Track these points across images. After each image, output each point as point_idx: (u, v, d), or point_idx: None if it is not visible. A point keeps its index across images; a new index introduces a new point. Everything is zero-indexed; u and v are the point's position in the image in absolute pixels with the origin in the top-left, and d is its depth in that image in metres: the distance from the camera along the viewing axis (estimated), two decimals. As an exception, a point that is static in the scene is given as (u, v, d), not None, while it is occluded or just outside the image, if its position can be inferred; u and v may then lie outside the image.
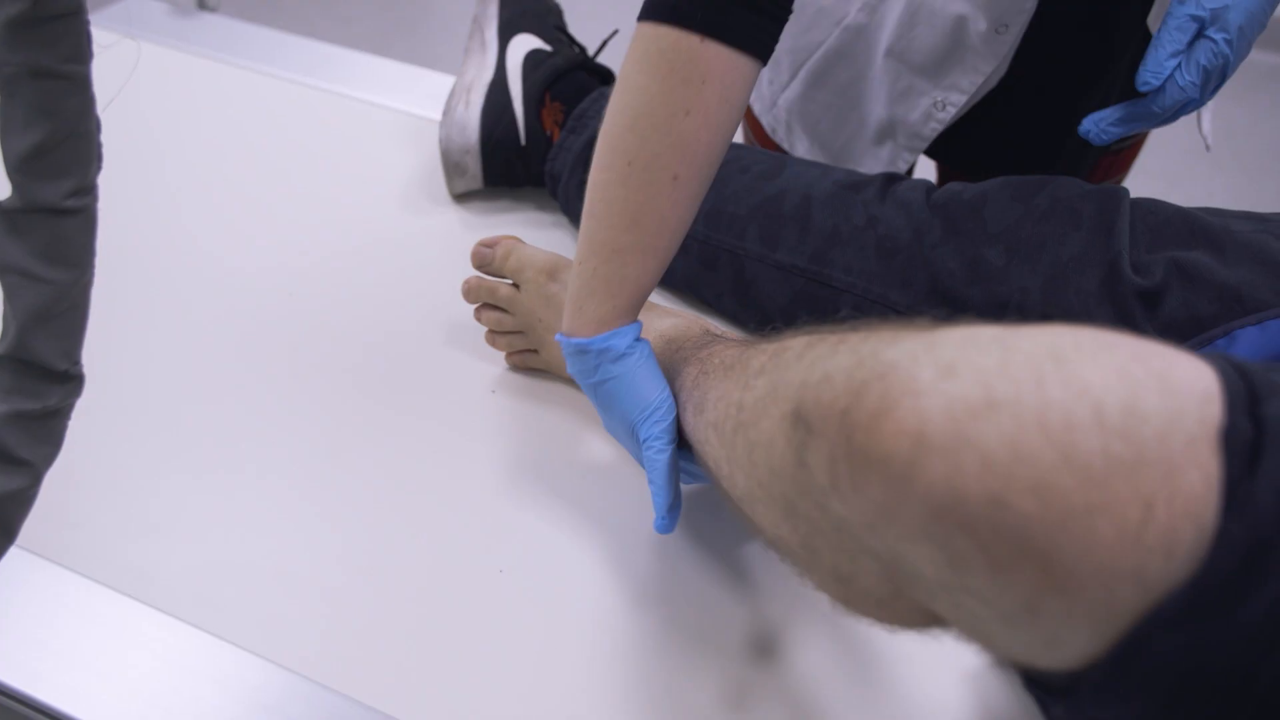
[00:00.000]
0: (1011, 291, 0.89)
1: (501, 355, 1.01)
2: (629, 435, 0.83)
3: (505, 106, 1.14)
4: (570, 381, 0.98)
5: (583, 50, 1.19)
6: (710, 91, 0.77)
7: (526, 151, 1.14)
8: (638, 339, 0.83)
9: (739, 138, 1.31)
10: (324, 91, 1.35)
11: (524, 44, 1.17)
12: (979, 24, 1.02)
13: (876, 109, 1.12)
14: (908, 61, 1.08)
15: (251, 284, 1.07)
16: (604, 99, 1.12)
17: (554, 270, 0.96)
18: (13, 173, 0.57)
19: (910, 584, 0.50)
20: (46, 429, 0.60)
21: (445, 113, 1.16)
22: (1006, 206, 0.92)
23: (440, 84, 1.34)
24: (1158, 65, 0.86)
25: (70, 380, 0.61)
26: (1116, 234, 0.87)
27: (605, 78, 1.17)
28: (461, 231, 1.15)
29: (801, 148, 1.20)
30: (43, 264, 0.58)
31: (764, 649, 0.80)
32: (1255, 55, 3.07)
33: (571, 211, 1.12)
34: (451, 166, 1.15)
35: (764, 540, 0.65)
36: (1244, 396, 0.45)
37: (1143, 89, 0.87)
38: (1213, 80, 0.87)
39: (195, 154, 1.25)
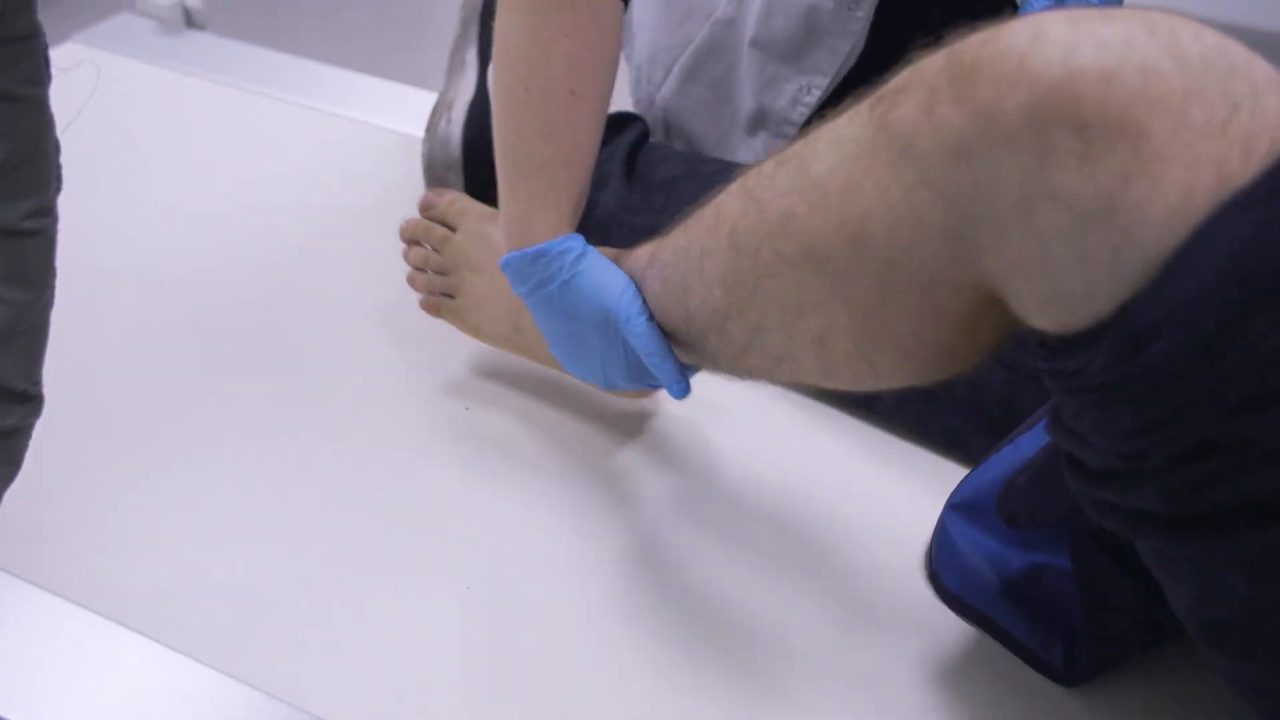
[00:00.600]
0: None
1: (479, 376, 1.01)
2: (603, 328, 0.83)
3: (486, 124, 1.14)
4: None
5: (563, 66, 1.19)
6: (582, 16, 0.86)
7: (508, 167, 1.15)
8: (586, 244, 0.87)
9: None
10: (309, 109, 1.36)
11: (504, 61, 1.17)
12: (827, 4, 1.06)
13: (747, 100, 1.14)
14: (771, 50, 1.11)
15: (229, 300, 1.08)
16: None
17: (495, 217, 0.97)
18: (-30, 195, 0.58)
19: (976, 225, 0.54)
20: (5, 448, 0.61)
21: (428, 128, 1.17)
22: None
23: (427, 101, 1.35)
24: None
25: (30, 400, 0.61)
26: None
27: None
28: (444, 247, 1.15)
29: (680, 146, 1.22)
30: (1, 285, 0.59)
31: (746, 660, 0.80)
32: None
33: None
34: (434, 181, 1.16)
35: (766, 356, 0.71)
36: None
37: None
38: None
39: (179, 172, 1.25)
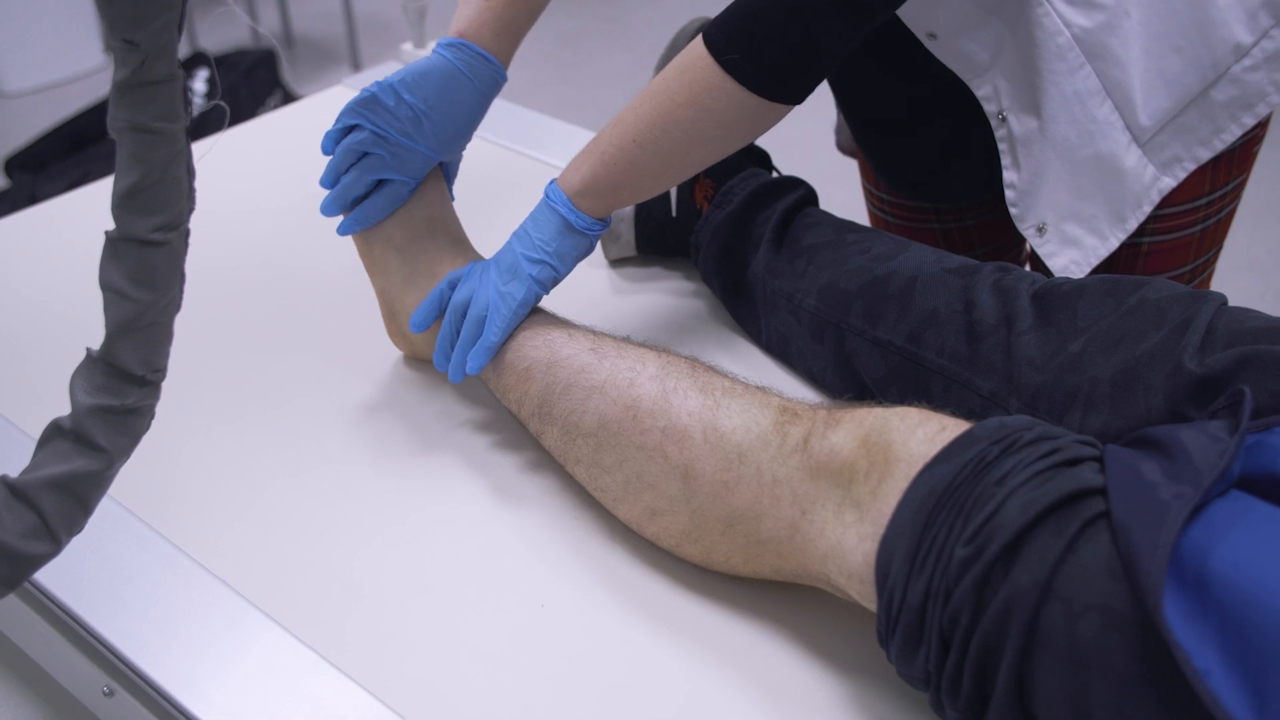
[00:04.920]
0: (1082, 382, 0.90)
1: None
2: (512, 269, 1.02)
3: (662, 179, 1.22)
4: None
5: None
6: None
7: (677, 223, 1.22)
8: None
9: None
10: (512, 152, 1.47)
11: (687, 123, 1.24)
12: None
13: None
14: None
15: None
16: (754, 177, 1.18)
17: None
18: (114, 207, 0.69)
19: (809, 522, 0.83)
20: (124, 423, 0.71)
21: (606, 182, 1.25)
22: (1099, 302, 0.93)
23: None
24: None
25: (147, 385, 0.71)
26: (1190, 331, 0.87)
27: (760, 158, 1.23)
28: (610, 295, 1.23)
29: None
30: (131, 285, 0.69)
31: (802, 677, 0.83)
32: None
33: (710, 280, 1.19)
34: (607, 233, 1.24)
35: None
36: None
37: None
38: None
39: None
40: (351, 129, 1.08)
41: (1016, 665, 0.70)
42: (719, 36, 0.95)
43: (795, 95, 0.96)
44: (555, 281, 1.04)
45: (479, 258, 1.11)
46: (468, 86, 1.09)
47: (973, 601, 0.71)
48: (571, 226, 1.02)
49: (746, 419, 0.87)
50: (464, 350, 1.03)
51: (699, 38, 0.96)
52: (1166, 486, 0.70)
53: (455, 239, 1.12)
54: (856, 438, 0.81)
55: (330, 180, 1.10)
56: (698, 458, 0.87)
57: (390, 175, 1.08)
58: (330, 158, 1.09)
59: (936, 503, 0.74)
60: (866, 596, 0.78)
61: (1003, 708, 0.71)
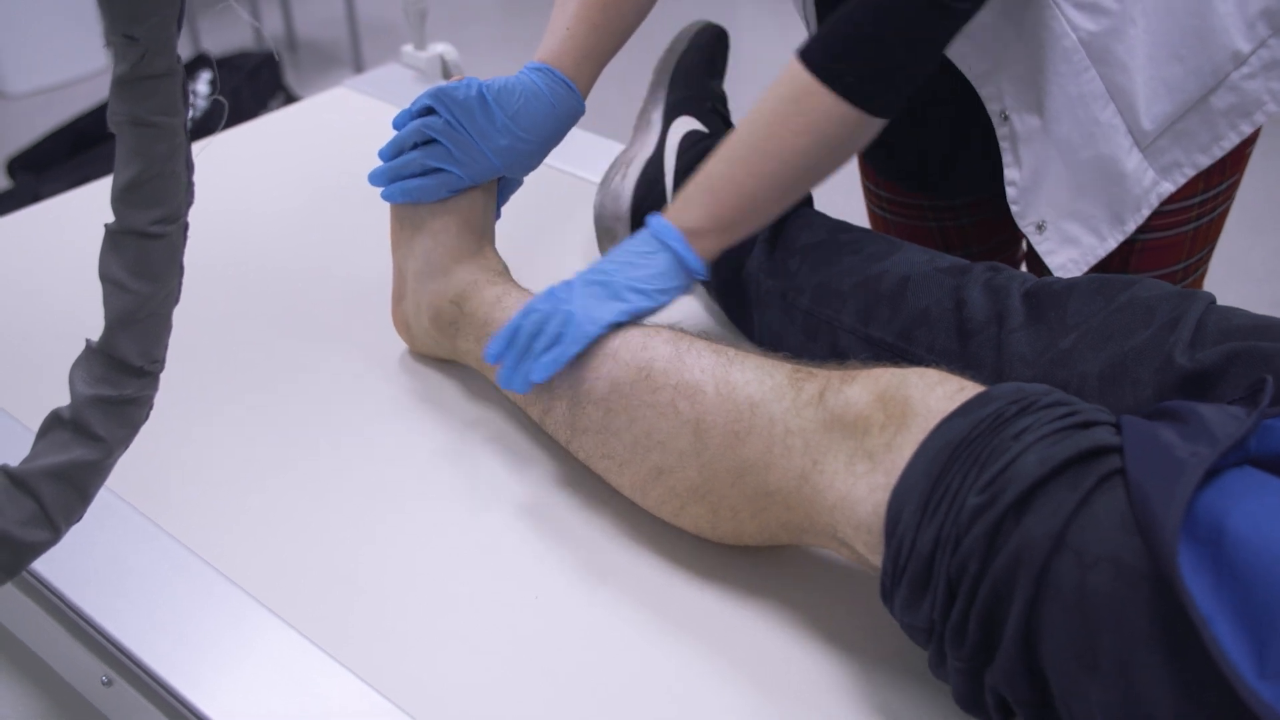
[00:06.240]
0: (1071, 377, 0.91)
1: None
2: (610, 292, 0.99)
3: (657, 181, 1.23)
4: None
5: (737, 132, 1.26)
6: None
7: (671, 223, 1.23)
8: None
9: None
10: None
11: (684, 125, 1.26)
12: None
13: None
14: None
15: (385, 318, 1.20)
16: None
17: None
18: (114, 201, 0.70)
19: (818, 474, 0.83)
20: (123, 413, 0.72)
21: (603, 182, 1.26)
22: (1089, 300, 0.94)
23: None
24: None
25: (146, 375, 0.72)
26: (1180, 328, 0.88)
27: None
28: (607, 292, 1.24)
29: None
30: (130, 277, 0.70)
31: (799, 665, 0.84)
32: None
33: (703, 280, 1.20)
34: (603, 231, 1.25)
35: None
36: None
37: None
38: None
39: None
40: (429, 113, 1.09)
41: (1025, 615, 0.70)
42: (825, 60, 0.98)
43: (896, 108, 1.01)
44: (648, 314, 1.01)
45: (499, 273, 1.11)
46: (548, 110, 1.10)
47: (983, 549, 0.71)
48: (683, 264, 1.02)
49: (760, 373, 0.88)
50: (533, 359, 0.97)
51: (797, 64, 0.99)
52: (1183, 447, 0.71)
53: (480, 248, 1.12)
54: (873, 392, 0.82)
55: (391, 153, 1.12)
56: (709, 410, 0.88)
57: (451, 169, 1.09)
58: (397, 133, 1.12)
59: (952, 454, 0.75)
60: (873, 548, 0.79)
61: (1009, 658, 0.71)
